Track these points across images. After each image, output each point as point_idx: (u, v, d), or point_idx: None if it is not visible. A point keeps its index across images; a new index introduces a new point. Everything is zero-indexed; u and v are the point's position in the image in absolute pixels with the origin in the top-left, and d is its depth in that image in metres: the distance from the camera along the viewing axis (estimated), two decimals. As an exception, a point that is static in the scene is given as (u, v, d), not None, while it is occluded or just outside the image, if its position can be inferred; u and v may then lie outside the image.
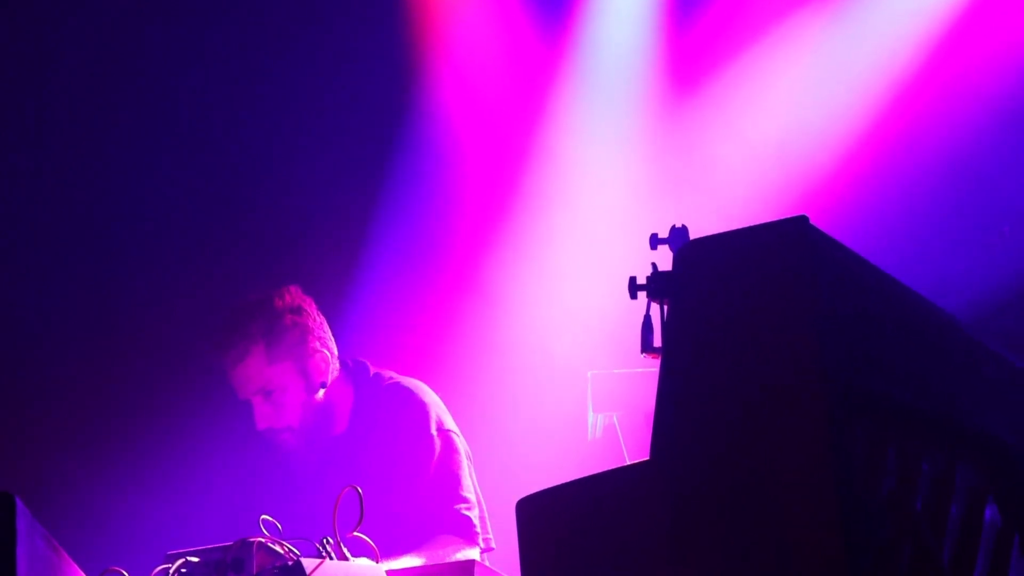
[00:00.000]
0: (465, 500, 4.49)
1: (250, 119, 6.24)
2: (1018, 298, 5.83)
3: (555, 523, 2.78)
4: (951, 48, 6.01)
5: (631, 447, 5.35)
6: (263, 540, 3.53)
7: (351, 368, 4.69)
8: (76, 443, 5.95)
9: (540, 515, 2.80)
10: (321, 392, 4.59)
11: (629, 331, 3.12)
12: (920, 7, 6.07)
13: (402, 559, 4.18)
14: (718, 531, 2.55)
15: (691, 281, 2.71)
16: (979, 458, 2.83)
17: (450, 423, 4.62)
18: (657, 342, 2.98)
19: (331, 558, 3.59)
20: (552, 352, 6.14)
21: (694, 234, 2.92)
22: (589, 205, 6.26)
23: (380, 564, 3.78)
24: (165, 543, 3.84)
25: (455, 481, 4.51)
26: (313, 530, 3.83)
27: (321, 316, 4.68)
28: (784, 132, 6.14)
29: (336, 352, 4.67)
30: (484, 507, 4.59)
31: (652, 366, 2.81)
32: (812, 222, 2.63)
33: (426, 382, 4.75)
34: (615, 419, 5.44)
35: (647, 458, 2.66)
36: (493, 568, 3.94)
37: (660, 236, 3.06)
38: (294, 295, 4.64)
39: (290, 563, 3.49)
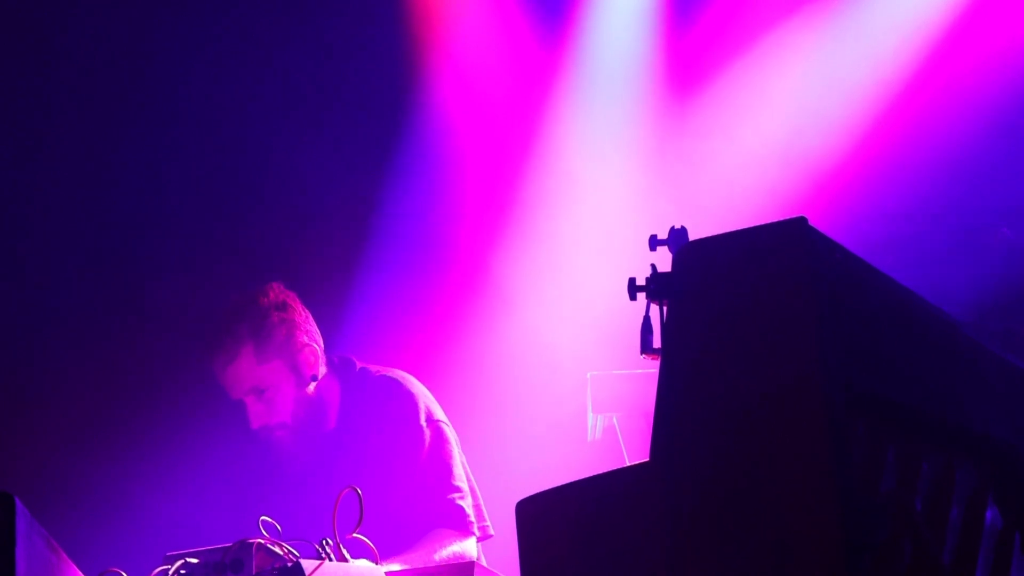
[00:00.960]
0: (457, 489, 4.49)
1: (250, 120, 6.24)
2: (1017, 300, 5.83)
3: (555, 524, 2.78)
4: (949, 51, 6.01)
5: (631, 448, 5.35)
6: (262, 541, 3.53)
7: (337, 364, 4.69)
8: (75, 444, 5.95)
9: (540, 516, 2.80)
10: (312, 386, 4.60)
11: (628, 332, 3.12)
12: (916, 10, 6.07)
13: (399, 559, 4.18)
14: (718, 531, 2.55)
15: (690, 282, 2.71)
16: (979, 459, 2.84)
17: (439, 413, 4.62)
18: (657, 343, 2.98)
19: (330, 559, 3.59)
20: (552, 353, 6.14)
21: (693, 235, 2.92)
22: (588, 206, 6.26)
23: (380, 565, 3.78)
24: (164, 544, 3.84)
25: (447, 471, 4.51)
26: (310, 528, 3.83)
27: (306, 310, 4.67)
28: (782, 134, 6.15)
29: (323, 344, 4.67)
30: (479, 495, 4.58)
31: (652, 367, 2.81)
32: (811, 223, 2.63)
33: (427, 382, 4.75)
34: (615, 420, 5.44)
35: (647, 459, 2.66)
36: (492, 569, 3.94)
37: (659, 237, 3.05)
38: (277, 291, 4.64)
39: (289, 564, 3.49)
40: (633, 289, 2.94)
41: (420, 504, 4.44)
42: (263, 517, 3.65)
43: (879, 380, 2.68)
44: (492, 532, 4.56)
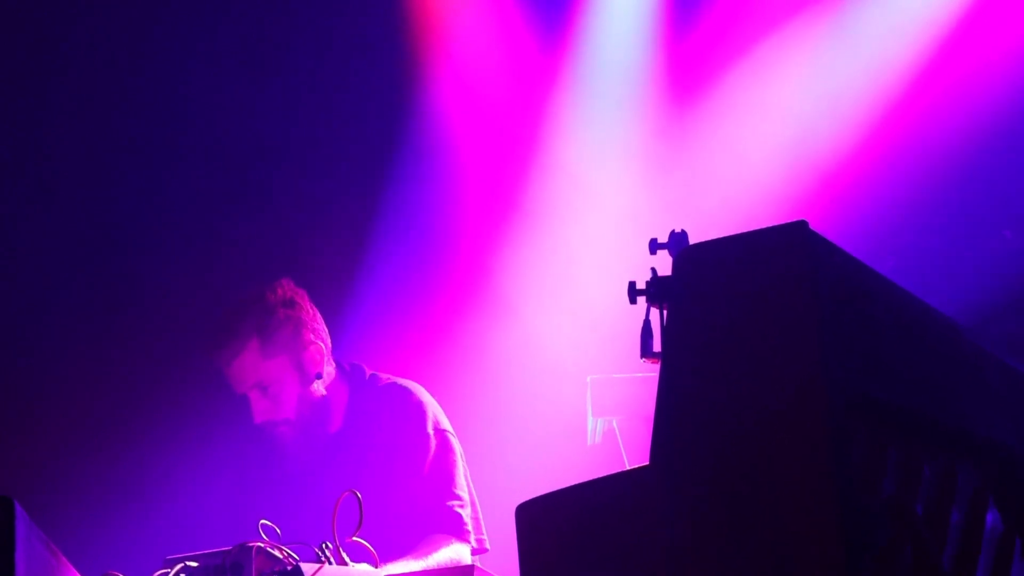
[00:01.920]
0: (458, 497, 4.50)
1: (250, 122, 6.24)
2: (1019, 302, 5.83)
3: (554, 528, 2.78)
4: (949, 54, 6.01)
5: (631, 452, 5.35)
6: (262, 545, 3.53)
7: (347, 370, 4.70)
8: (75, 447, 5.95)
9: (539, 520, 2.80)
10: (317, 384, 4.60)
11: (629, 336, 3.12)
12: (916, 14, 6.07)
13: (398, 564, 4.17)
14: (718, 535, 2.55)
15: (690, 286, 2.71)
16: (980, 462, 2.84)
17: (446, 423, 4.63)
18: (657, 347, 2.98)
19: (330, 563, 3.59)
20: (552, 357, 6.14)
21: (694, 239, 2.92)
22: (589, 210, 6.26)
23: (379, 569, 3.78)
24: (164, 547, 3.84)
25: (449, 479, 4.51)
26: (312, 530, 3.83)
27: (314, 308, 4.69)
28: (783, 138, 6.15)
29: (330, 344, 4.68)
30: (479, 509, 4.59)
31: (652, 371, 2.81)
32: (812, 227, 2.63)
33: (427, 386, 4.75)
34: (615, 424, 5.43)
35: (647, 463, 2.65)
36: (492, 573, 3.93)
37: (659, 241, 3.05)
38: (286, 288, 4.66)
39: (289, 568, 3.49)
40: (633, 293, 2.94)
41: (420, 510, 4.45)
42: (263, 521, 3.65)
43: (880, 383, 2.68)
44: (488, 547, 4.56)
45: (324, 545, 3.63)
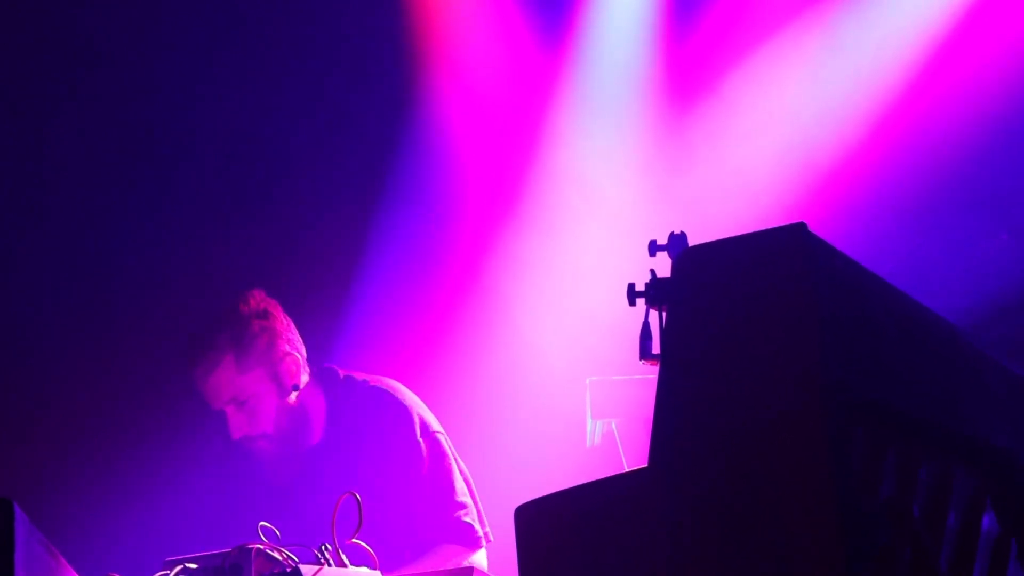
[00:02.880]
0: (462, 505, 4.47)
1: (247, 124, 6.24)
2: (1017, 305, 5.83)
3: (553, 529, 2.78)
4: (948, 56, 6.01)
5: (629, 454, 5.34)
6: (261, 546, 3.53)
7: (318, 375, 4.66)
8: (75, 449, 5.95)
9: (538, 521, 2.80)
10: (294, 395, 4.56)
11: (628, 338, 3.12)
12: (916, 15, 6.07)
13: (408, 569, 4.17)
14: (717, 537, 2.55)
15: (690, 288, 2.71)
16: (977, 464, 2.84)
17: (434, 424, 4.58)
18: (656, 349, 2.98)
19: (329, 565, 3.59)
20: (551, 358, 6.14)
21: (693, 241, 2.92)
22: (588, 212, 6.27)
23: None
24: (164, 549, 3.84)
25: (449, 487, 4.48)
26: (308, 538, 3.83)
27: (288, 318, 4.64)
28: (782, 140, 6.15)
29: (305, 353, 4.64)
30: (478, 501, 4.57)
31: (651, 373, 2.81)
32: (811, 229, 2.63)
33: (425, 388, 4.74)
34: (613, 426, 5.43)
35: (645, 465, 2.66)
36: (492, 574, 3.94)
37: (659, 243, 3.05)
38: (258, 299, 4.61)
39: (288, 570, 3.49)
40: (632, 294, 2.94)
41: (425, 521, 4.42)
42: (262, 523, 3.65)
43: (879, 386, 2.68)
44: (492, 538, 4.55)
45: (323, 547, 3.63)
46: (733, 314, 2.65)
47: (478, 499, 4.57)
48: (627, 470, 2.97)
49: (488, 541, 4.54)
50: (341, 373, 4.66)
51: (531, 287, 6.24)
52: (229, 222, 6.21)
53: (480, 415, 5.94)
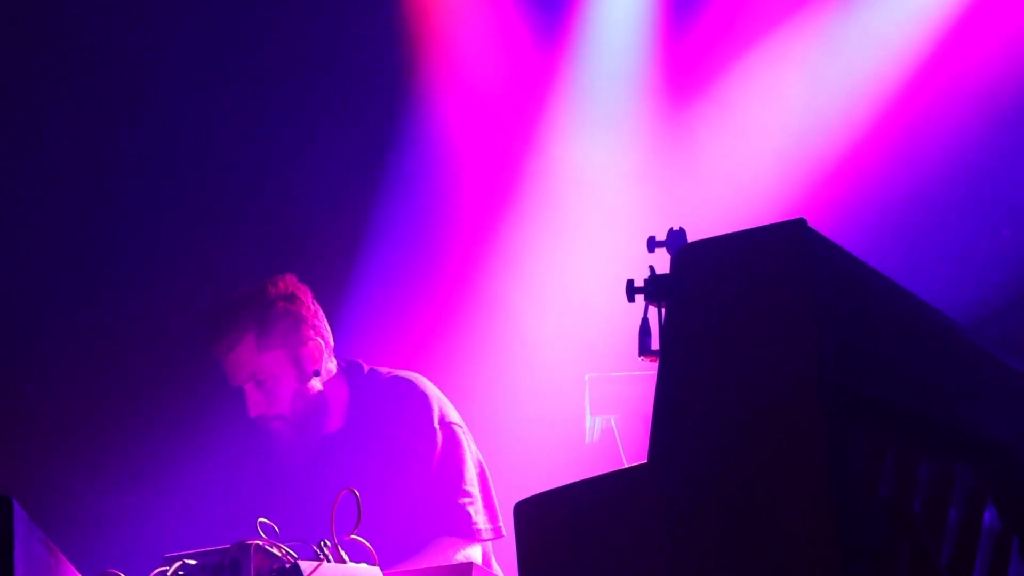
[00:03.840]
0: (468, 495, 4.47)
1: (246, 121, 6.24)
2: (1017, 302, 5.83)
3: (553, 525, 2.78)
4: (948, 52, 6.01)
5: (629, 450, 5.34)
6: (260, 543, 3.53)
7: (344, 368, 4.68)
8: (74, 445, 5.95)
9: (538, 517, 2.80)
10: (315, 381, 4.58)
11: (627, 334, 3.12)
12: (915, 11, 6.07)
13: (401, 568, 4.17)
14: (715, 534, 2.55)
15: (688, 284, 2.71)
16: (977, 461, 2.83)
17: (453, 415, 4.60)
18: (655, 345, 2.98)
19: (328, 561, 3.59)
20: (550, 354, 6.14)
21: (692, 237, 2.92)
22: (586, 207, 6.27)
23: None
24: (163, 545, 3.84)
25: (458, 475, 4.48)
26: (310, 529, 3.83)
27: (316, 305, 4.66)
28: (781, 136, 6.15)
29: (331, 342, 4.66)
30: (494, 497, 4.56)
31: (650, 369, 2.81)
32: (810, 225, 2.63)
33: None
34: (613, 422, 5.43)
35: (645, 461, 2.65)
36: (494, 571, 3.93)
37: (658, 239, 3.05)
38: (288, 283, 4.64)
39: (287, 566, 3.49)
40: (631, 291, 2.94)
41: (429, 509, 4.42)
42: (261, 519, 3.65)
43: (878, 382, 2.68)
44: (504, 533, 4.54)
45: (323, 543, 3.63)
46: (732, 310, 2.65)
47: (494, 495, 4.56)
48: (626, 466, 2.97)
49: (499, 535, 4.53)
50: (366, 367, 4.69)
51: (530, 283, 6.24)
52: (231, 219, 6.21)
53: (479, 411, 5.93)
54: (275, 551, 3.53)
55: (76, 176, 6.18)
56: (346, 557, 3.68)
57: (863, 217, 5.91)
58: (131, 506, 5.74)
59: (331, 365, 4.64)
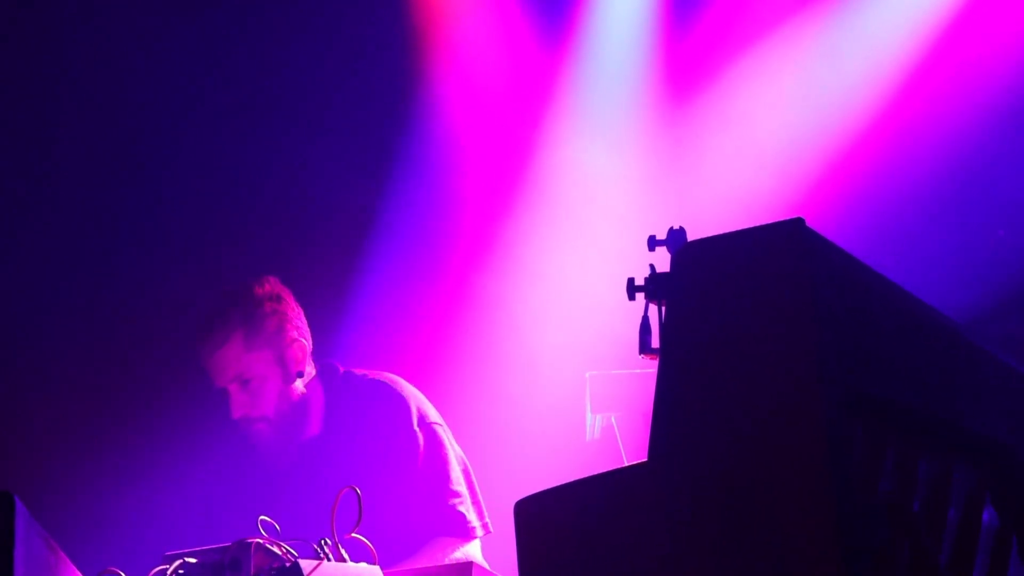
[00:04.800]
0: (456, 494, 4.47)
1: (248, 122, 6.24)
2: (1015, 301, 5.84)
3: (553, 524, 2.78)
4: (946, 52, 6.01)
5: (629, 448, 5.35)
6: (261, 541, 3.53)
7: (320, 370, 4.68)
8: (75, 443, 5.95)
9: (538, 516, 2.80)
10: (298, 383, 4.58)
11: (627, 332, 3.12)
12: (913, 11, 6.07)
13: (401, 568, 4.17)
14: (716, 532, 2.55)
15: (689, 283, 2.72)
16: (977, 460, 2.84)
17: (433, 415, 4.59)
18: (655, 343, 2.98)
19: (329, 559, 3.59)
20: (550, 353, 6.14)
21: (692, 236, 2.92)
22: (587, 207, 6.27)
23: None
24: (163, 543, 3.84)
25: (444, 476, 4.49)
26: (302, 533, 3.83)
27: (299, 307, 4.67)
28: (782, 134, 6.15)
29: (311, 344, 4.66)
30: (479, 491, 4.57)
31: (650, 367, 2.82)
32: (809, 224, 2.63)
33: (425, 382, 4.74)
34: (613, 420, 5.43)
35: (645, 459, 2.66)
36: (491, 569, 3.94)
37: (658, 238, 3.06)
38: (273, 284, 4.64)
39: (288, 564, 3.49)
40: (632, 289, 2.94)
41: (420, 512, 4.43)
42: (262, 517, 3.65)
43: (877, 381, 2.68)
44: (491, 529, 4.55)
45: (323, 541, 3.63)
46: (732, 309, 2.65)
47: (478, 491, 4.57)
48: (626, 464, 2.98)
49: (487, 532, 4.53)
50: (341, 369, 4.68)
51: (531, 282, 6.24)
52: (232, 220, 6.21)
53: (480, 409, 5.95)
54: (275, 550, 3.53)
55: (77, 177, 6.18)
56: (346, 556, 3.68)
57: (861, 217, 5.92)
58: (131, 504, 5.74)
59: (311, 367, 4.64)
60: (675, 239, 3.03)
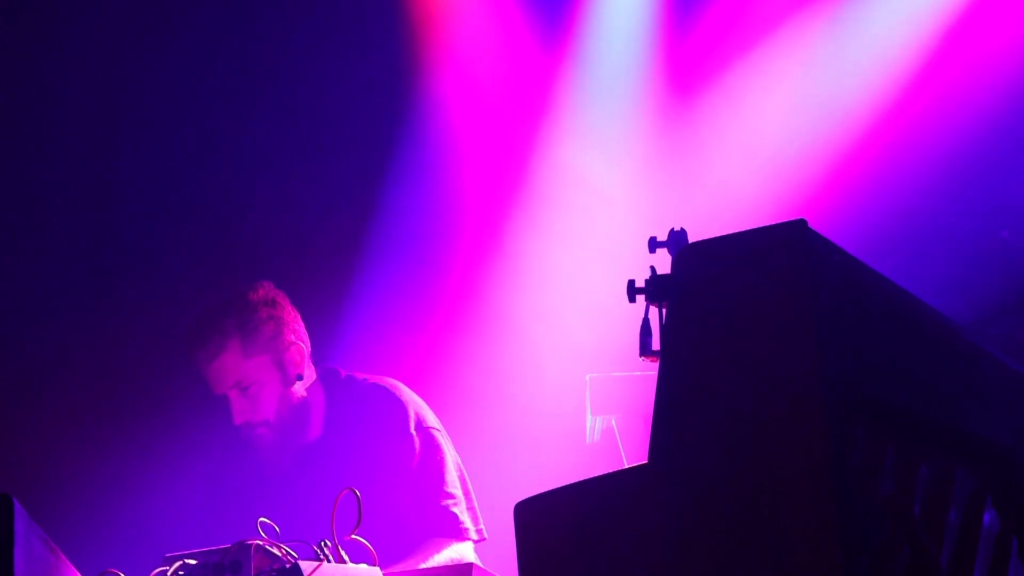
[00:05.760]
0: (451, 496, 4.48)
1: (247, 123, 6.23)
2: (1017, 303, 5.83)
3: (553, 526, 2.78)
4: (948, 54, 6.01)
5: (629, 450, 5.35)
6: (261, 543, 3.53)
7: (321, 375, 4.68)
8: (74, 444, 5.94)
9: (538, 518, 2.80)
10: (298, 386, 4.59)
11: (627, 334, 3.12)
12: (915, 13, 6.07)
13: (397, 568, 4.17)
14: (716, 534, 2.55)
15: (689, 284, 2.71)
16: (978, 462, 2.84)
17: (431, 420, 4.60)
18: (656, 345, 2.98)
19: (329, 561, 3.59)
20: (551, 355, 6.14)
21: (693, 237, 2.92)
22: (588, 208, 6.27)
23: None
24: (163, 545, 3.84)
25: (439, 478, 4.50)
26: (301, 536, 3.83)
27: (295, 310, 4.68)
28: (783, 136, 6.15)
29: (310, 346, 4.66)
30: (475, 499, 4.57)
31: (651, 369, 2.81)
32: (811, 226, 2.63)
33: (425, 385, 4.75)
34: (613, 422, 5.43)
35: (645, 461, 2.66)
36: (490, 571, 3.93)
37: (659, 239, 3.05)
38: (267, 289, 4.65)
39: (288, 566, 3.49)
40: (632, 291, 2.94)
41: (414, 513, 4.44)
42: (262, 518, 3.65)
43: (878, 383, 2.68)
44: (486, 535, 4.56)
45: (323, 543, 3.63)
46: (733, 310, 2.65)
47: (474, 497, 4.58)
48: (627, 466, 2.97)
49: (482, 538, 4.54)
50: (343, 373, 4.69)
51: (531, 283, 6.24)
52: (232, 221, 6.20)
53: (480, 411, 5.94)
54: (275, 551, 3.53)
55: (77, 178, 6.17)
56: (346, 557, 3.68)
57: (863, 218, 5.91)
58: (131, 505, 5.74)
59: (310, 370, 4.64)
60: (676, 240, 3.03)
